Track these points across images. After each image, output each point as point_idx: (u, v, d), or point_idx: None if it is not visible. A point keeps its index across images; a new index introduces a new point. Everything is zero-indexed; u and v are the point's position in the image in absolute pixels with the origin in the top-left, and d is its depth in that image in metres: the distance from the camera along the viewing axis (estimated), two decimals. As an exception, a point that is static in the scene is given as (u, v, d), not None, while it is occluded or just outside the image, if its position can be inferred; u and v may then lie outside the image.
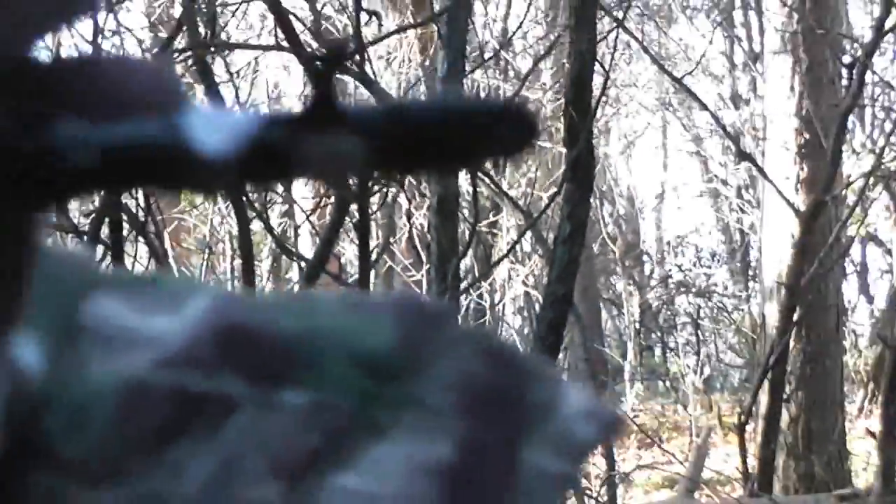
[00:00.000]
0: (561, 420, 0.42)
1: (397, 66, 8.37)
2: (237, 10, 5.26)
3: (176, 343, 0.41)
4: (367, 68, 3.79)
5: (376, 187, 4.37)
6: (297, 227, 7.06)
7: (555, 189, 5.42)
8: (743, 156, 7.84)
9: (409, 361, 0.40)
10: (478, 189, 5.20)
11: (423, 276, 6.30)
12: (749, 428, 6.74)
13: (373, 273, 5.03)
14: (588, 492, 6.48)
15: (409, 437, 0.40)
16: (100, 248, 3.36)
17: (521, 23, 7.90)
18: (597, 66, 3.82)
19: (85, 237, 3.39)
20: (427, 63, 7.68)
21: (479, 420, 0.40)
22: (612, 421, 0.43)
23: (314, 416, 0.39)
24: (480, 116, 0.38)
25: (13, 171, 0.34)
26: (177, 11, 5.31)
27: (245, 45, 6.58)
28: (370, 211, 4.10)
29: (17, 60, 0.36)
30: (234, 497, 0.39)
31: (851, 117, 7.01)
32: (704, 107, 8.06)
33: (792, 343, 6.48)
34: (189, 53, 3.61)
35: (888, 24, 5.70)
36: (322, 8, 6.12)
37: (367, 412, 0.40)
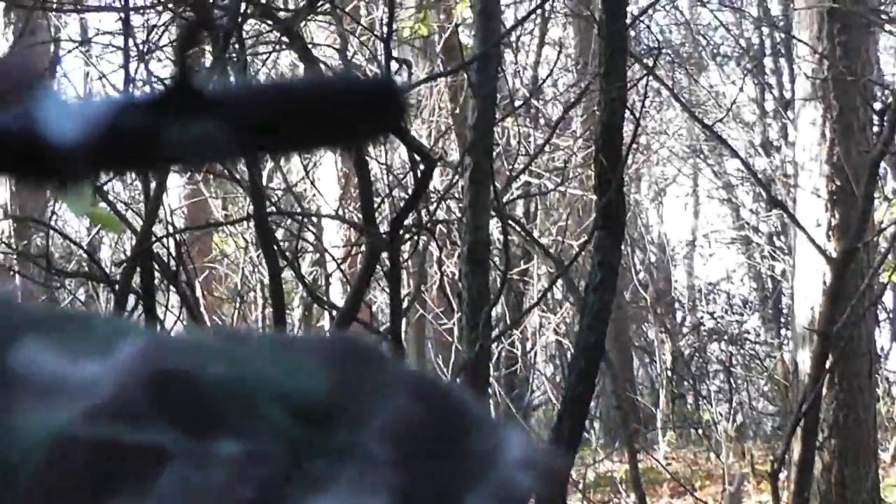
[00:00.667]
0: (502, 469, 0.40)
1: (427, 114, 8.39)
2: (267, 59, 5.30)
3: (106, 391, 0.39)
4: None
5: (407, 235, 4.37)
6: (328, 276, 7.07)
7: (586, 237, 5.41)
8: (774, 202, 7.83)
9: (343, 406, 0.38)
10: (509, 237, 5.18)
11: (454, 324, 6.28)
12: (782, 476, 6.66)
13: (404, 321, 5.01)
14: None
15: (346, 491, 0.38)
16: (132, 298, 3.37)
17: (552, 70, 7.92)
18: (627, 114, 3.82)
19: (116, 286, 3.40)
20: (457, 111, 7.71)
21: (417, 471, 0.38)
22: (553, 468, 0.41)
23: (248, 468, 0.37)
24: (348, 94, 0.37)
25: None
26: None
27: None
28: (401, 259, 4.10)
29: None
30: None
31: (883, 164, 6.98)
32: (735, 154, 8.04)
33: (825, 390, 6.42)
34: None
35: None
36: (352, 57, 6.15)
37: (302, 463, 0.38)
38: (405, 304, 5.50)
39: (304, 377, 0.40)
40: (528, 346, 9.92)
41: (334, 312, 4.15)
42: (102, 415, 0.39)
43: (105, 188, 3.65)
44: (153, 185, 3.28)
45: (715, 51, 13.56)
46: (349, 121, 0.39)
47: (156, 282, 3.45)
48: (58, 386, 0.39)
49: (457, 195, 5.88)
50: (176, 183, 9.29)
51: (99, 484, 0.37)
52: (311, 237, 6.81)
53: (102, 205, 3.49)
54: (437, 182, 6.34)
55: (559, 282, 7.41)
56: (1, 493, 0.36)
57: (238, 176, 4.40)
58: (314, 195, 7.93)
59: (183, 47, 0.36)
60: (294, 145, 0.40)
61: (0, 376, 0.39)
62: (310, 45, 3.59)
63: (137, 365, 0.40)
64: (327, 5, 4.14)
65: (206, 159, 0.39)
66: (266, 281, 4.79)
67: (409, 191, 4.46)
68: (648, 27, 9.41)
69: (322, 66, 3.63)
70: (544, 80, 9.33)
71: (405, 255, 5.35)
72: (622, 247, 3.75)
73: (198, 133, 0.35)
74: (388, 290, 3.90)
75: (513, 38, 8.55)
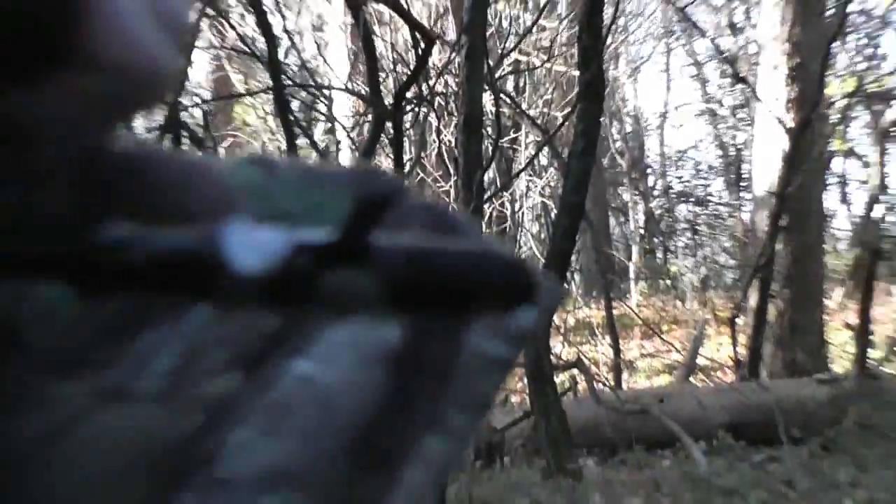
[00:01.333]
0: (505, 304, 0.39)
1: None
2: None
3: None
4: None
5: (409, 107, 4.34)
6: (338, 143, 7.04)
7: (569, 109, 5.38)
8: (738, 78, 7.75)
9: (360, 236, 0.37)
10: (500, 109, 5.16)
11: (451, 186, 6.29)
12: (740, 321, 6.74)
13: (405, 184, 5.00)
14: (596, 377, 6.50)
15: (359, 324, 0.38)
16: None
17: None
18: (607, -2, 3.77)
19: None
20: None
21: (425, 305, 0.38)
22: (557, 297, 0.40)
23: (269, 302, 0.36)
24: (490, 274, 0.35)
25: (62, 263, 0.32)
26: None
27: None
28: (403, 128, 4.08)
29: (88, 151, 0.34)
30: (195, 390, 0.36)
31: (836, 43, 6.91)
32: (703, 34, 7.96)
33: (779, 246, 6.46)
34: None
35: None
36: None
37: (318, 297, 0.37)
38: (407, 169, 5.49)
39: (327, 206, 0.39)
40: (517, 206, 9.93)
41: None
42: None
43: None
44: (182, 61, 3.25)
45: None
46: (480, 298, 0.37)
47: (184, 147, 3.44)
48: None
49: (454, 71, 5.83)
50: (202, 58, 9.23)
51: (132, 317, 0.36)
52: (323, 108, 6.77)
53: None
54: (435, 59, 6.28)
55: (545, 149, 7.39)
56: (45, 325, 0.35)
57: (258, 53, 4.36)
58: (326, 70, 7.87)
59: (364, 217, 0.32)
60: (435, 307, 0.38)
61: None
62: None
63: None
64: None
65: (352, 307, 0.36)
66: (283, 147, 4.78)
67: (411, 67, 4.43)
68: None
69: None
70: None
71: (407, 125, 5.32)
72: (601, 118, 3.73)
73: (354, 287, 0.34)
74: (391, 155, 3.90)
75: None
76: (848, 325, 7.73)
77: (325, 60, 7.63)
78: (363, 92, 5.96)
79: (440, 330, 0.38)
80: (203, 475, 0.36)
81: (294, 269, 0.34)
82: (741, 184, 14.97)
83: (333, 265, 0.34)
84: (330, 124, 7.72)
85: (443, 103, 6.68)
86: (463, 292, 0.38)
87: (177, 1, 0.36)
